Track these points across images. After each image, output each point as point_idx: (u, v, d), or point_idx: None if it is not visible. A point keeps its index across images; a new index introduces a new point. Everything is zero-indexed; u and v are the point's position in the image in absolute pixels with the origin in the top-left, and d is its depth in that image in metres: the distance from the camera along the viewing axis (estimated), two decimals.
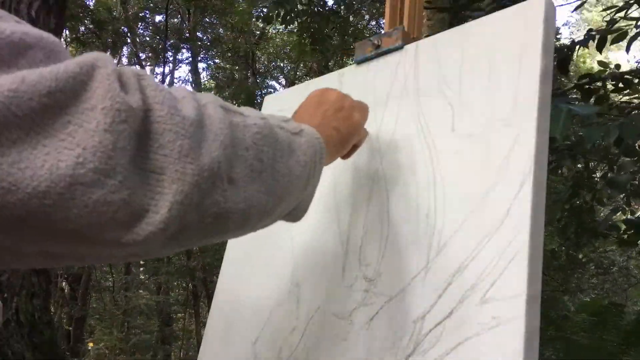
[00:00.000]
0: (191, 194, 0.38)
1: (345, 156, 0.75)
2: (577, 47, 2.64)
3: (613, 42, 2.62)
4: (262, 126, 0.48)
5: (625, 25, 2.63)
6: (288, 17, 4.03)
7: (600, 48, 2.60)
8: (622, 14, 2.70)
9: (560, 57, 2.49)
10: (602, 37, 2.58)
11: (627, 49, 2.66)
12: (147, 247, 0.38)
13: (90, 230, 0.35)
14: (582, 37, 2.62)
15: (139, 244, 0.37)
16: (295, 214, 0.59)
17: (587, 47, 2.62)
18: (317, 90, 0.70)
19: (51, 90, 0.32)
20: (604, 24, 2.81)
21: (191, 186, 0.38)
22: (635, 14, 2.79)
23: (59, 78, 0.33)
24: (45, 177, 0.32)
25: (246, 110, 0.50)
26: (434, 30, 2.79)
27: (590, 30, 2.67)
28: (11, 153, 0.31)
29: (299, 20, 4.11)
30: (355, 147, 0.75)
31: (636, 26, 2.56)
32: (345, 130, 0.66)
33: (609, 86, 2.61)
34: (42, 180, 0.32)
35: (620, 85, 2.49)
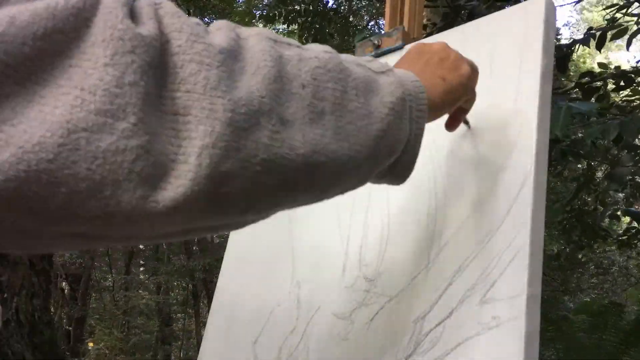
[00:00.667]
0: (224, 134, 0.31)
1: (452, 124, 0.64)
2: (577, 45, 2.64)
3: (613, 38, 2.62)
4: (327, 60, 0.40)
5: (626, 22, 2.63)
6: (290, 17, 4.03)
7: (599, 47, 2.60)
8: (622, 11, 2.70)
9: (560, 56, 2.50)
10: (602, 35, 2.58)
11: (628, 46, 2.66)
12: (185, 212, 0.31)
13: (108, 192, 0.28)
14: (582, 37, 2.63)
15: (172, 208, 0.30)
16: (397, 171, 0.49)
17: (588, 46, 2.62)
18: (418, 43, 0.60)
19: (47, 32, 0.27)
20: (605, 23, 2.81)
21: (223, 125, 0.31)
22: (636, 12, 2.79)
23: (56, 15, 0.27)
24: (38, 127, 0.26)
25: (309, 45, 0.42)
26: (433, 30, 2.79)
27: (590, 28, 2.67)
28: (4, 110, 0.26)
29: (301, 20, 4.11)
30: (463, 111, 0.63)
31: (637, 23, 2.55)
32: (452, 80, 0.55)
33: (610, 85, 2.61)
34: (34, 131, 0.26)
35: (622, 84, 2.49)
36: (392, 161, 0.47)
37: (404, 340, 0.66)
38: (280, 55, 0.37)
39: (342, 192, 0.46)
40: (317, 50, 0.41)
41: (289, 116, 0.36)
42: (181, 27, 0.32)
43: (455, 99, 0.57)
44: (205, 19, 9.85)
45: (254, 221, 0.43)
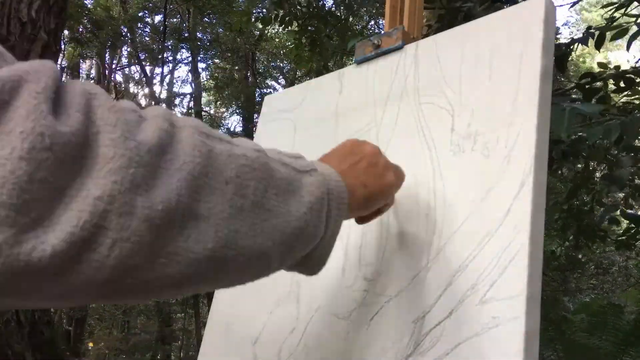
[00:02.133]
0: (139, 230, 0.32)
1: (363, 220, 0.66)
2: (576, 45, 2.64)
3: (613, 38, 2.61)
4: (254, 159, 0.42)
5: (626, 23, 2.63)
6: (287, 19, 4.03)
7: (598, 46, 2.60)
8: (621, 11, 2.70)
9: (558, 55, 2.49)
10: (601, 34, 2.57)
11: (628, 47, 2.65)
12: (83, 293, 0.33)
13: (4, 279, 0.29)
14: (581, 36, 2.62)
15: (73, 289, 0.31)
16: (309, 265, 0.52)
17: (587, 45, 2.61)
18: (354, 140, 0.62)
19: None
20: (604, 22, 2.81)
21: (139, 222, 0.32)
22: (634, 12, 2.79)
23: None
24: None
25: (240, 140, 0.44)
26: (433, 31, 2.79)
27: (589, 27, 2.66)
28: None
29: (298, 22, 4.11)
30: (378, 213, 0.65)
31: (636, 24, 2.55)
32: (373, 189, 0.58)
33: (610, 86, 2.61)
34: None
35: (622, 84, 2.48)
36: (305, 254, 0.49)
37: (404, 340, 0.66)
38: (210, 150, 0.38)
39: (251, 280, 0.48)
40: (247, 147, 0.42)
41: (205, 212, 0.37)
42: (115, 122, 0.33)
43: (373, 205, 0.60)
44: (205, 18, 9.85)
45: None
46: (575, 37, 2.67)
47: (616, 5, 2.70)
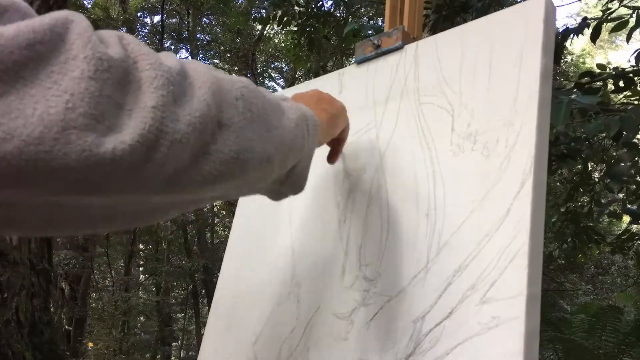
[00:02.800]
0: (186, 134, 0.40)
1: (332, 158, 0.79)
2: (572, 36, 2.62)
3: (613, 31, 2.59)
4: (248, 83, 0.50)
5: (624, 14, 2.61)
6: (285, 19, 4.02)
7: (594, 38, 2.58)
8: (617, 2, 2.68)
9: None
10: (597, 27, 2.56)
11: (628, 39, 2.64)
12: (149, 185, 0.39)
13: (93, 175, 0.35)
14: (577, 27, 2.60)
15: (142, 182, 0.38)
16: (294, 180, 0.60)
17: (582, 34, 2.59)
18: (297, 92, 0.73)
19: (30, 43, 0.33)
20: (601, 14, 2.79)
21: (185, 126, 0.40)
22: (632, 4, 2.77)
23: (36, 30, 0.34)
24: (37, 123, 0.33)
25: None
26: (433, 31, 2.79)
27: (585, 18, 2.65)
28: (1, 106, 0.32)
29: (296, 22, 4.10)
30: (341, 142, 0.78)
31: (637, 17, 2.53)
32: (332, 112, 0.70)
33: (610, 86, 2.60)
34: (35, 126, 0.32)
35: (621, 84, 2.48)
36: (290, 168, 0.57)
37: (404, 340, 0.66)
38: (215, 75, 0.46)
39: (260, 182, 0.55)
40: (239, 77, 0.51)
41: (226, 120, 0.45)
42: (147, 52, 0.40)
43: (337, 125, 0.72)
44: (204, 19, 9.85)
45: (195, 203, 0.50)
46: (570, 27, 2.64)
47: None
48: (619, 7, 2.67)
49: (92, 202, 0.39)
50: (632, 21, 2.51)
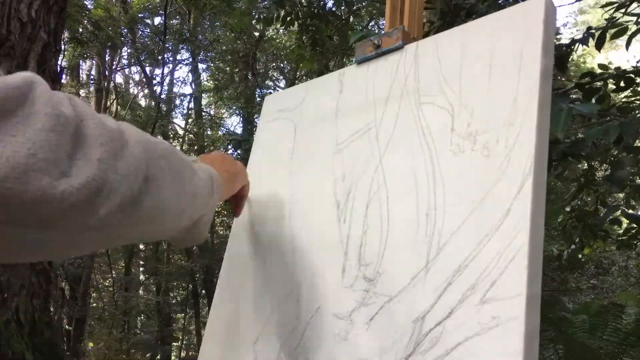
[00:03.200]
0: (121, 184, 0.47)
1: (237, 211, 0.93)
2: (577, 45, 2.63)
3: (612, 37, 2.60)
4: (168, 145, 0.57)
5: (626, 21, 2.61)
6: (288, 19, 4.02)
7: (599, 47, 2.59)
8: (622, 11, 2.69)
9: (559, 55, 2.48)
10: (602, 35, 2.57)
11: (627, 46, 2.65)
12: (91, 223, 0.45)
13: (42, 211, 0.41)
14: (581, 36, 2.61)
15: (86, 219, 0.45)
16: (198, 231, 0.68)
17: (587, 46, 2.60)
18: (203, 154, 0.84)
19: (1, 97, 0.40)
20: (604, 22, 2.79)
21: (121, 177, 0.47)
22: (634, 11, 2.77)
23: (7, 87, 0.40)
24: (4, 165, 0.38)
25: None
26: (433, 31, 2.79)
27: (589, 28, 2.66)
28: None
29: (299, 22, 4.10)
30: (243, 197, 0.91)
31: (636, 23, 2.54)
32: (232, 171, 0.82)
33: (610, 86, 2.60)
34: (2, 167, 0.38)
35: (622, 84, 2.48)
36: (196, 220, 0.65)
37: (404, 340, 0.66)
38: (144, 135, 0.53)
39: (170, 231, 0.61)
40: (161, 140, 0.57)
41: (152, 176, 0.51)
42: (92, 113, 0.47)
43: (237, 184, 0.85)
44: (206, 20, 9.85)
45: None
46: (575, 38, 2.66)
47: (616, 5, 2.69)
48: (623, 16, 2.67)
49: (27, 236, 0.44)
50: (632, 27, 2.51)
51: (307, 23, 4.13)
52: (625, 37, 2.61)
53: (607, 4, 2.72)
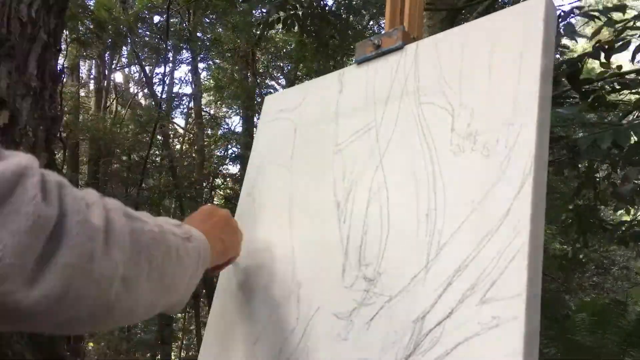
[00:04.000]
0: (91, 290, 0.46)
1: (217, 269, 0.85)
2: (586, 59, 2.63)
3: (616, 51, 2.60)
4: (157, 233, 0.56)
5: (632, 35, 2.61)
6: (289, 21, 4.02)
7: (608, 58, 2.58)
8: (631, 24, 2.68)
9: (570, 70, 2.47)
10: (610, 48, 2.56)
11: (632, 59, 2.64)
12: (51, 326, 0.45)
13: (11, 313, 0.41)
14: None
15: (45, 323, 0.44)
16: (172, 310, 0.67)
17: (599, 60, 2.59)
18: (209, 206, 0.83)
19: None
20: (613, 33, 2.79)
21: (94, 283, 0.45)
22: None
23: None
24: None
25: (145, 216, 0.58)
26: (433, 31, 2.78)
27: (598, 41, 2.65)
28: None
29: (299, 23, 4.10)
30: (228, 263, 0.86)
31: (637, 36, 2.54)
32: (228, 242, 0.80)
33: (607, 87, 2.60)
34: None
35: (617, 86, 2.48)
36: (172, 303, 0.64)
37: (404, 340, 0.66)
38: (131, 229, 0.52)
39: (144, 319, 0.60)
40: (152, 224, 0.57)
41: (128, 275, 0.50)
42: (78, 209, 0.45)
43: (227, 255, 0.81)
44: (206, 19, 9.85)
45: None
46: (586, 52, 2.65)
47: (627, 21, 2.68)
48: (632, 27, 2.66)
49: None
50: (636, 41, 2.51)
51: (308, 24, 4.13)
52: (625, 37, 2.61)
53: (617, 22, 2.70)
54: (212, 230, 0.74)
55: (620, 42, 2.55)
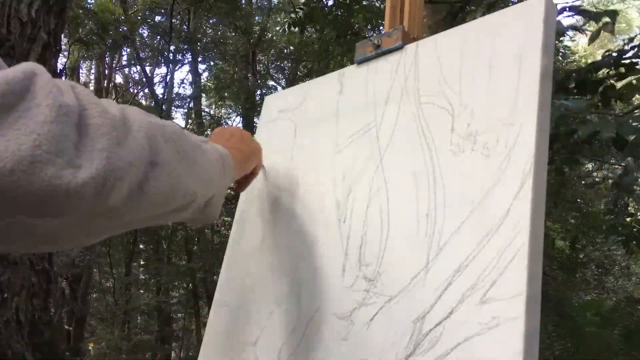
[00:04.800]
0: (129, 173, 0.47)
1: (242, 186, 0.89)
2: (599, 70, 2.60)
3: (620, 99, 2.55)
4: (176, 128, 0.58)
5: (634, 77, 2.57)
6: (313, 16, 4.02)
7: (618, 66, 2.54)
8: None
9: (579, 79, 2.45)
10: (620, 56, 2.53)
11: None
12: (98, 210, 0.46)
13: (55, 200, 0.42)
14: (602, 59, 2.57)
15: (92, 208, 0.45)
16: (210, 211, 0.69)
17: (610, 68, 2.56)
18: (219, 127, 0.85)
19: (1, 93, 0.40)
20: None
21: (128, 165, 0.47)
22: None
23: (8, 82, 0.41)
24: (10, 158, 0.39)
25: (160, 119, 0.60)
26: (433, 31, 2.78)
27: (608, 51, 2.63)
28: None
29: (325, 14, 4.09)
30: (251, 176, 0.88)
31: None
32: (246, 151, 0.81)
33: (611, 78, 2.57)
34: (7, 161, 0.39)
35: (622, 70, 2.44)
36: (207, 200, 0.66)
37: (404, 340, 0.66)
38: (149, 120, 0.53)
39: (185, 210, 0.61)
40: (169, 122, 0.58)
41: (159, 160, 0.52)
42: (95, 101, 0.47)
43: (249, 164, 0.83)
44: (210, 20, 9.85)
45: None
46: (576, 38, 2.63)
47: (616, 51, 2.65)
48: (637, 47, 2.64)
49: (38, 227, 0.45)
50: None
51: (334, 14, 4.12)
52: (625, 38, 2.59)
53: (607, 51, 2.67)
54: (227, 144, 0.75)
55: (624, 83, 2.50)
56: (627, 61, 2.39)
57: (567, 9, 2.53)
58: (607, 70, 2.40)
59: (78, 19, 6.95)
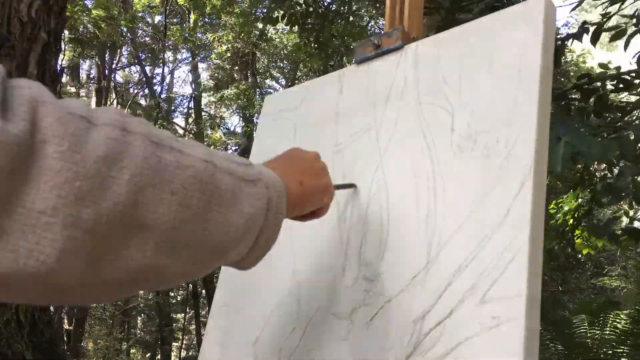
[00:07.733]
0: (82, 242, 0.33)
1: (303, 218, 0.68)
2: (571, 41, 2.63)
3: (612, 39, 2.60)
4: (201, 170, 0.42)
5: (625, 23, 2.61)
6: (293, 18, 4.02)
7: (594, 41, 2.58)
8: (616, 6, 2.67)
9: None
10: (597, 30, 2.55)
11: (625, 47, 2.65)
12: (28, 289, 0.35)
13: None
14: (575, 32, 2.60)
15: (19, 288, 0.34)
16: (243, 265, 0.55)
17: (581, 41, 2.59)
18: (298, 148, 0.67)
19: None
20: (600, 18, 2.79)
21: (82, 233, 0.33)
22: (627, 10, 2.77)
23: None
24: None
25: (192, 148, 0.44)
26: (433, 31, 2.79)
27: (584, 22, 2.65)
28: None
29: (299, 22, 4.11)
30: (314, 215, 0.68)
31: (635, 24, 2.54)
32: (309, 188, 0.62)
33: (609, 86, 2.60)
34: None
35: (620, 85, 2.47)
36: (243, 256, 0.52)
37: (404, 340, 0.66)
38: (159, 161, 0.38)
39: (196, 277, 0.49)
40: (197, 157, 0.43)
41: (151, 222, 0.37)
42: (64, 134, 0.32)
43: (309, 204, 0.63)
44: (206, 18, 9.85)
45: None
46: (570, 33, 2.65)
47: (609, 0, 2.67)
48: (616, 12, 2.67)
49: None
50: (631, 28, 2.51)
51: (310, 22, 4.13)
52: (624, 38, 2.61)
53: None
54: (290, 172, 0.59)
55: (614, 31, 2.54)
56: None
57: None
58: (603, 81, 2.42)
59: (74, 17, 6.95)
